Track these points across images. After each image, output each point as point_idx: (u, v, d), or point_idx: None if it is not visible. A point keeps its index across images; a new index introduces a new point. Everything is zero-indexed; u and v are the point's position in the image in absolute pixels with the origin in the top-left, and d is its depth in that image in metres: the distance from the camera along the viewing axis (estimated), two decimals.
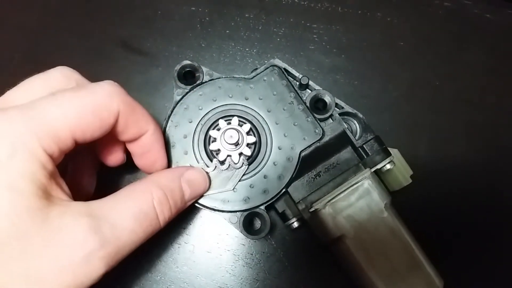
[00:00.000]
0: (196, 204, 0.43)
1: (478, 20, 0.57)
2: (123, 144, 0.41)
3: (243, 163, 0.43)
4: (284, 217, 0.47)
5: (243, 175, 0.44)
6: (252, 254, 0.52)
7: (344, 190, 0.45)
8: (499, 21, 0.57)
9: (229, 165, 0.43)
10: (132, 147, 0.39)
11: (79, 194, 0.32)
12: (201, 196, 0.42)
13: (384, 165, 0.46)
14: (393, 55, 0.56)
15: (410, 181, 0.48)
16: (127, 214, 0.32)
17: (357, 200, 0.45)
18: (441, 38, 0.57)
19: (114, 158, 0.42)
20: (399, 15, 0.57)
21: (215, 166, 0.43)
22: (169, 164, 0.43)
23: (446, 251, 0.52)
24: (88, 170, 0.43)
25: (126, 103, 0.34)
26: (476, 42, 0.57)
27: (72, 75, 0.36)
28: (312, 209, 0.44)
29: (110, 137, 0.36)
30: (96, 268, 0.29)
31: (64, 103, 0.31)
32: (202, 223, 0.53)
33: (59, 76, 0.35)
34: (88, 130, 0.32)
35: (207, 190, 0.43)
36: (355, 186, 0.45)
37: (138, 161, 0.40)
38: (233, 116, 0.44)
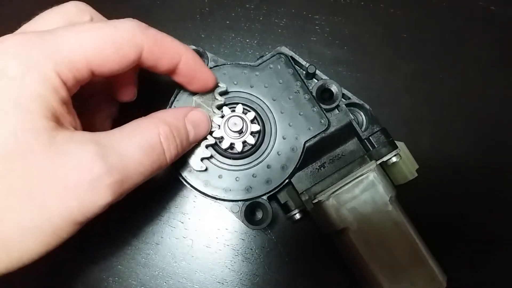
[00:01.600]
0: (197, 193, 0.43)
1: (482, 12, 0.56)
2: (135, 79, 0.42)
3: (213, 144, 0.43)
4: (286, 208, 0.47)
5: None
6: (251, 249, 0.52)
7: (349, 182, 0.44)
8: (504, 14, 0.56)
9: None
10: (176, 78, 0.39)
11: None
12: (204, 138, 0.42)
13: (390, 158, 0.45)
14: (395, 47, 0.56)
15: (416, 175, 0.48)
16: (135, 145, 0.32)
17: (361, 193, 0.45)
18: (444, 30, 0.56)
19: (127, 93, 0.42)
20: (402, 6, 0.57)
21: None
22: None
23: (450, 247, 0.52)
24: (102, 114, 0.43)
25: (150, 37, 0.34)
26: (480, 35, 0.56)
27: (86, 9, 0.37)
28: (316, 201, 0.44)
29: (127, 72, 0.36)
30: (103, 196, 0.29)
31: (83, 33, 0.31)
32: (200, 217, 0.53)
33: (74, 9, 0.36)
34: (107, 63, 0.32)
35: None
36: (360, 178, 0.45)
37: (190, 87, 0.41)
38: (237, 103, 0.44)
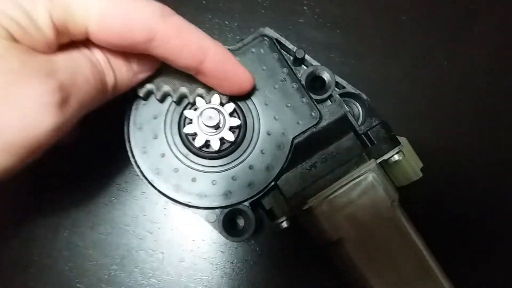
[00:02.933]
0: (166, 199, 0.41)
1: None
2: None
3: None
4: (272, 215, 0.44)
5: None
6: (232, 263, 0.50)
7: (345, 185, 0.42)
8: None
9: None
10: (202, 78, 0.38)
11: None
12: (152, 74, 0.39)
13: (392, 156, 0.43)
14: (395, 31, 0.54)
15: (421, 175, 0.46)
16: (80, 62, 0.32)
17: (359, 197, 0.43)
18: (448, 12, 0.55)
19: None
20: None
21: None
22: (134, 151, 0.41)
23: (459, 254, 0.50)
24: None
25: (169, 25, 0.33)
26: (487, 17, 0.55)
27: None
28: (306, 207, 0.42)
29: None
30: (51, 114, 0.29)
31: None
32: (173, 226, 0.51)
33: None
34: (107, 32, 0.32)
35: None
36: (357, 179, 0.43)
37: (221, 90, 0.40)
38: (213, 93, 0.40)
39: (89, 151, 0.49)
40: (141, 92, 0.39)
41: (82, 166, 0.50)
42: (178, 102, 0.41)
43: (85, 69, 0.32)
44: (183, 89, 0.40)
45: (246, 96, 0.42)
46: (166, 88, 0.40)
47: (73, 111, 0.31)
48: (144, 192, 0.51)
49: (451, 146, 0.53)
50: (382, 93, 0.53)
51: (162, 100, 0.41)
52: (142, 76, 0.38)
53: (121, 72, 0.36)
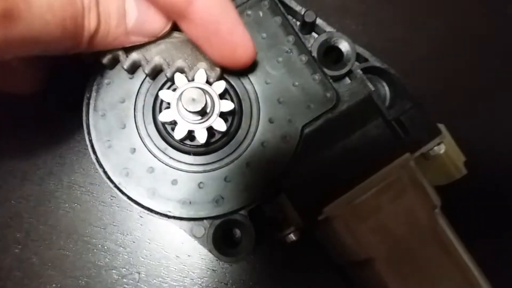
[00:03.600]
0: (142, 209, 0.38)
1: None
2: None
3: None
4: (276, 226, 0.41)
5: None
6: (226, 284, 0.47)
7: (372, 187, 0.38)
8: None
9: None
10: (186, 28, 0.33)
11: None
12: (152, 40, 0.35)
13: (432, 148, 0.39)
14: None
15: (465, 172, 0.43)
16: None
17: (391, 202, 0.38)
18: None
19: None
20: None
21: None
22: (95, 145, 0.37)
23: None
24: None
25: None
26: None
27: None
28: (322, 216, 0.38)
29: None
30: None
31: None
32: (151, 239, 0.47)
33: None
34: None
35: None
36: (388, 180, 0.38)
37: (208, 49, 0.34)
38: (198, 68, 0.36)
39: (45, 142, 0.46)
40: (105, 59, 0.35)
41: (36, 163, 0.46)
42: (152, 76, 0.36)
43: None
44: (159, 59, 0.35)
45: (242, 72, 0.37)
46: (137, 55, 0.35)
47: (18, 37, 0.28)
48: (114, 197, 0.47)
49: (499, 135, 0.50)
50: (407, 70, 0.46)
51: (131, 71, 0.37)
52: (135, 39, 0.34)
53: (109, 22, 0.31)
